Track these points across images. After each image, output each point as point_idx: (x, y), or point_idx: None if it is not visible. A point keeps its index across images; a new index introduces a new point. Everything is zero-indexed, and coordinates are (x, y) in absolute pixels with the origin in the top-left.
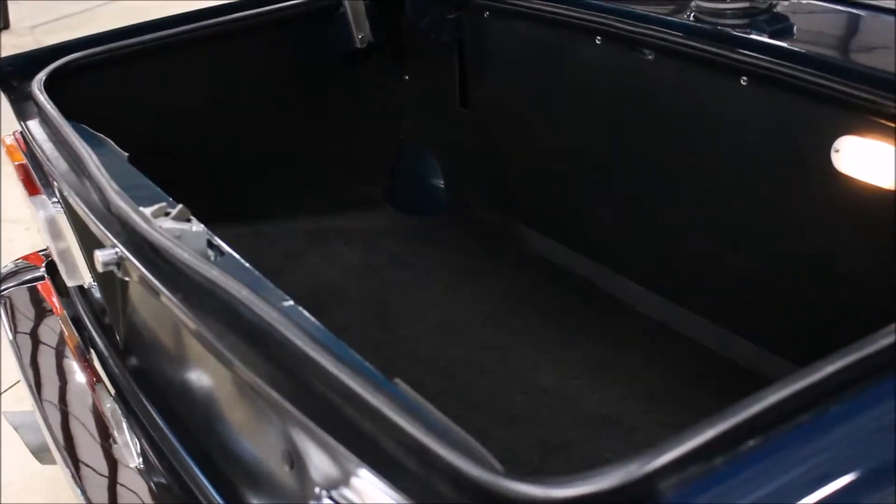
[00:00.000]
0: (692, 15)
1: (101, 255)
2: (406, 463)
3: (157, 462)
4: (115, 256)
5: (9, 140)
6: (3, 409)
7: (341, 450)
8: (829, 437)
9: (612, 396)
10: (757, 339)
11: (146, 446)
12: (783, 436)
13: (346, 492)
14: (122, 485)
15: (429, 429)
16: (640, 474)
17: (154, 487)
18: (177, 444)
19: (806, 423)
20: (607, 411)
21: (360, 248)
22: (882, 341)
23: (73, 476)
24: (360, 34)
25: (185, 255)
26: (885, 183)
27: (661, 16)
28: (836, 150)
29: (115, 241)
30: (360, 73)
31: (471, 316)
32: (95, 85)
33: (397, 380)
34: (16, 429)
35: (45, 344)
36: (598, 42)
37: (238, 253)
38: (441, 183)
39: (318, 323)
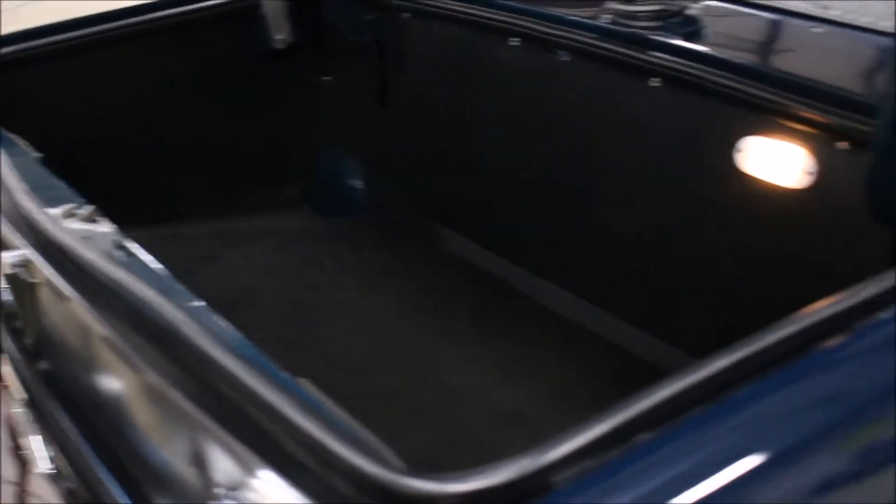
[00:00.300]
0: (607, 17)
1: (6, 257)
2: (307, 463)
3: (66, 466)
4: (21, 258)
5: None
6: None
7: (243, 450)
8: (721, 427)
9: (524, 395)
10: (670, 337)
11: (56, 451)
12: (676, 427)
13: (247, 492)
14: (30, 491)
15: (329, 428)
16: (533, 468)
17: (63, 492)
18: (86, 448)
19: (699, 414)
20: (519, 409)
21: (277, 249)
22: (773, 336)
23: None
24: (279, 35)
25: (91, 256)
26: (787, 182)
27: (576, 18)
28: (740, 150)
29: (22, 242)
30: (279, 74)
31: (386, 316)
32: (8, 84)
33: (303, 380)
34: None
35: None
36: (515, 44)
37: (151, 254)
38: (360, 184)
39: (223, 324)
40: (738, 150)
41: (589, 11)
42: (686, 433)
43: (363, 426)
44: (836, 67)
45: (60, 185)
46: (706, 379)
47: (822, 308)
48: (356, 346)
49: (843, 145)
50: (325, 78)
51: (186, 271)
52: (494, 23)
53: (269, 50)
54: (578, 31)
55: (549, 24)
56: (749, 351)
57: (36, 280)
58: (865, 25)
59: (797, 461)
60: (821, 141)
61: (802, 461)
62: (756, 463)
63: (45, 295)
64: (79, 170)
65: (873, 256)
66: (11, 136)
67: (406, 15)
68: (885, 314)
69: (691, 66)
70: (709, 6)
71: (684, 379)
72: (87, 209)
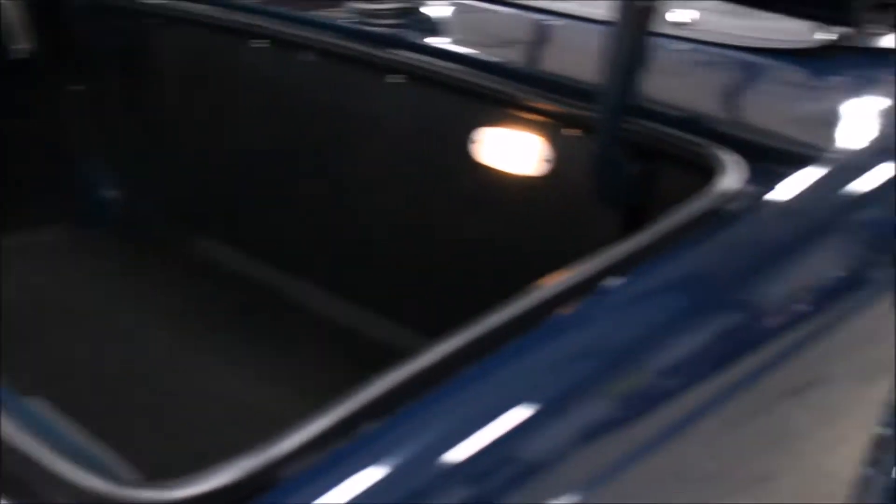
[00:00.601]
0: (350, 17)
1: None
2: (31, 483)
3: None
4: None
5: None
6: None
7: None
8: (449, 406)
9: (284, 398)
10: (428, 328)
11: None
12: (403, 413)
13: None
14: None
15: (50, 445)
16: (255, 468)
17: None
18: None
19: (428, 398)
20: (279, 413)
21: (30, 264)
22: (502, 313)
23: None
24: (17, 44)
25: None
26: (523, 170)
27: (322, 19)
28: (480, 141)
29: None
30: (25, 85)
31: (143, 328)
32: None
33: (36, 398)
34: None
35: None
36: (261, 46)
37: None
38: (115, 194)
39: None
40: (478, 142)
41: (334, 12)
42: (412, 418)
43: (100, 440)
44: (568, 58)
45: None
46: (436, 361)
47: (552, 283)
48: (110, 360)
49: (573, 132)
50: (75, 87)
51: None
52: (239, 26)
53: (9, 60)
54: (324, 32)
55: (295, 25)
56: (478, 330)
57: None
58: (596, 17)
59: (525, 434)
60: (554, 129)
61: (529, 433)
62: (483, 442)
63: None
64: None
65: (602, 235)
66: None
67: (154, 21)
68: (608, 284)
69: (431, 63)
70: (450, 2)
71: (410, 364)
72: None
